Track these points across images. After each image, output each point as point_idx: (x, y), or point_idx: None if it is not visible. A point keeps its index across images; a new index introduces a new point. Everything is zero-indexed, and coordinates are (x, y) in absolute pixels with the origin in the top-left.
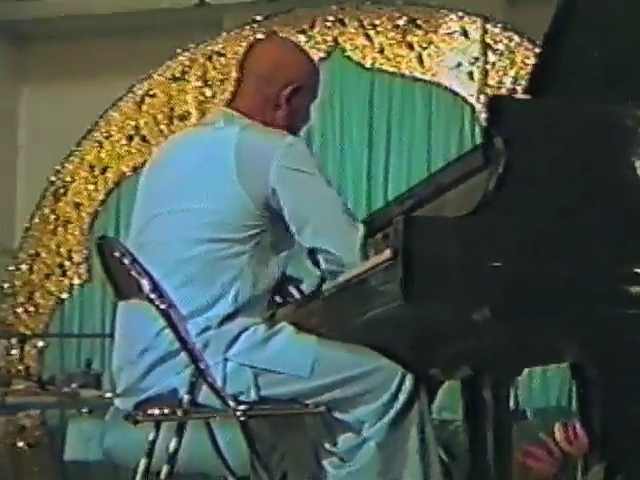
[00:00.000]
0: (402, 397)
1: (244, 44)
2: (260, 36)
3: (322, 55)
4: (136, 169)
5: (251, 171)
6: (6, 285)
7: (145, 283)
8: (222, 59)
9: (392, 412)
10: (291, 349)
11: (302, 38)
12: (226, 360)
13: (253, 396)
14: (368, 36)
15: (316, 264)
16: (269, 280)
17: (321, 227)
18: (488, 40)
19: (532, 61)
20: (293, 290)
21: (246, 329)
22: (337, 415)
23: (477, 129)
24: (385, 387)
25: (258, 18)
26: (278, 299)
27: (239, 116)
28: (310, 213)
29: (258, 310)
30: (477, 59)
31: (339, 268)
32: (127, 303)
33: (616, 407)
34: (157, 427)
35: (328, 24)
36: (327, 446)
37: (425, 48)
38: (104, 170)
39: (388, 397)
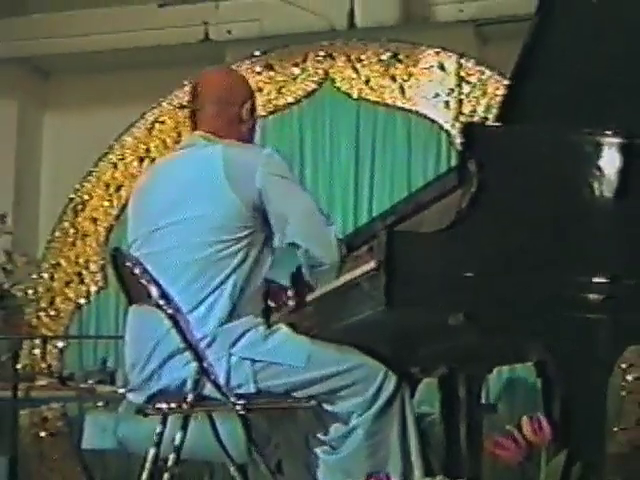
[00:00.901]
0: (386, 391)
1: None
2: (258, 69)
3: (314, 86)
4: None
5: (240, 179)
6: (30, 291)
7: (154, 290)
8: None
9: (378, 404)
10: (288, 344)
11: (296, 71)
12: (230, 355)
13: (252, 388)
14: (355, 69)
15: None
16: (261, 274)
17: (300, 225)
18: (462, 73)
19: (502, 92)
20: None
21: (249, 329)
22: (326, 407)
23: (452, 153)
24: (370, 381)
25: (257, 53)
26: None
27: (214, 137)
28: (290, 212)
29: (253, 303)
30: (452, 90)
31: (317, 262)
32: (137, 307)
33: (575, 401)
34: (164, 420)
35: (319, 58)
36: (318, 435)
37: (406, 80)
38: (118, 188)
39: (374, 390)
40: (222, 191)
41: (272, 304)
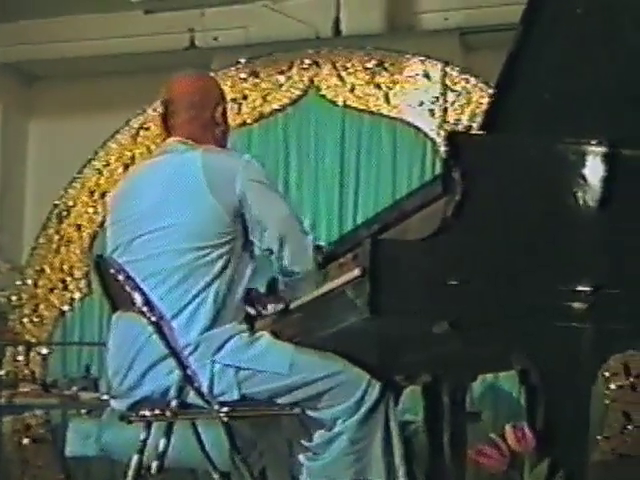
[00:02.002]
0: (371, 397)
1: (229, 83)
2: (243, 76)
3: (299, 93)
4: None
5: (220, 185)
6: (14, 298)
7: (137, 297)
8: None
9: (362, 410)
10: (271, 351)
11: (282, 78)
12: (214, 362)
13: (235, 395)
14: (340, 77)
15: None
16: (243, 281)
17: (276, 231)
18: (447, 82)
19: (486, 101)
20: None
21: (232, 336)
22: (311, 414)
23: (437, 161)
24: (354, 387)
25: (242, 60)
26: (252, 311)
27: (191, 142)
28: (267, 218)
29: (237, 310)
30: (437, 98)
31: (290, 269)
32: (121, 314)
33: (558, 410)
34: (148, 427)
35: (305, 66)
36: (302, 442)
37: (391, 88)
38: (103, 195)
39: (358, 396)
40: (203, 197)
41: (252, 311)
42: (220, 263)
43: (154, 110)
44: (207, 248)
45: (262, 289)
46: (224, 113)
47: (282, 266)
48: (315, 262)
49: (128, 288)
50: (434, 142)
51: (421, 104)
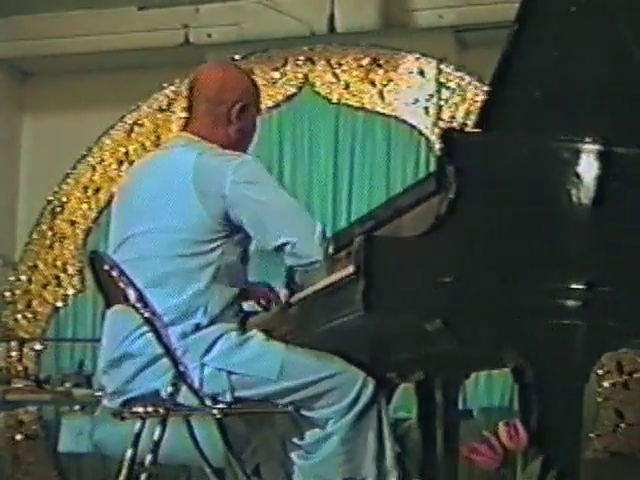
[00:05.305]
0: (364, 397)
1: None
2: None
3: (294, 90)
4: None
5: (208, 191)
6: (7, 294)
7: (131, 293)
8: None
9: (355, 410)
10: (262, 354)
11: (276, 75)
12: (203, 365)
13: (228, 398)
14: (335, 74)
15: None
16: (236, 284)
17: (279, 229)
18: (442, 79)
19: (481, 98)
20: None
21: (221, 336)
22: (304, 413)
23: (431, 158)
24: (348, 388)
25: (236, 57)
26: (247, 307)
27: (197, 139)
28: (267, 219)
29: (230, 314)
30: (432, 96)
31: (301, 261)
32: (114, 310)
33: (551, 407)
34: (142, 421)
35: (299, 63)
36: (294, 440)
37: (386, 85)
38: (97, 191)
39: (352, 397)
40: (190, 203)
41: (258, 307)
42: (209, 271)
43: (149, 106)
44: (195, 255)
45: (281, 283)
46: (243, 111)
47: (291, 261)
48: (325, 252)
49: (122, 284)
50: (428, 139)
51: (415, 101)
